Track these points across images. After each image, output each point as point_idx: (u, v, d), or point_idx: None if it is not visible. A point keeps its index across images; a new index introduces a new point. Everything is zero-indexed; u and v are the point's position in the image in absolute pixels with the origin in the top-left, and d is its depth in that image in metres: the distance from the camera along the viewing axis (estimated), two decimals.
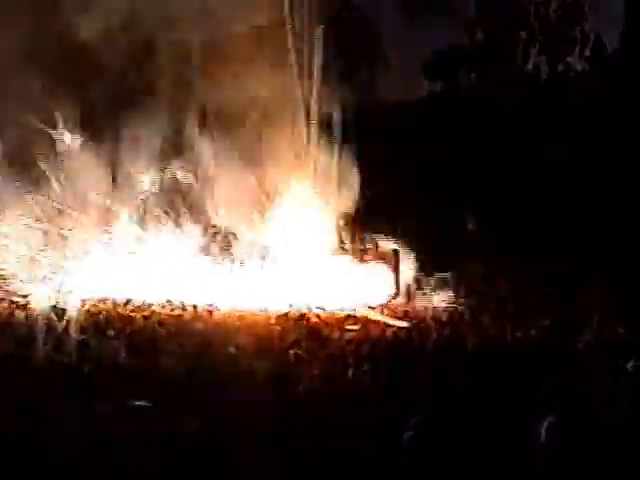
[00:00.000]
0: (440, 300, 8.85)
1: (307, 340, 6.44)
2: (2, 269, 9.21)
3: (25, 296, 8.42)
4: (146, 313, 7.60)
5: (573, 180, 11.12)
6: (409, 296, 9.20)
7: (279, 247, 9.80)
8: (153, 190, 9.92)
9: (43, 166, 9.62)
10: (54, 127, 9.74)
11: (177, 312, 7.82)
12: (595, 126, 11.59)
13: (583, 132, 11.41)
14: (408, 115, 11.77)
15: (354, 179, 10.01)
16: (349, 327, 7.38)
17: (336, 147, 9.86)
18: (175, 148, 9.90)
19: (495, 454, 4.14)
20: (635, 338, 6.82)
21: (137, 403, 4.49)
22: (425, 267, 9.38)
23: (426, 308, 8.61)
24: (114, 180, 9.73)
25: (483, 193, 10.91)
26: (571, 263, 9.46)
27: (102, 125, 9.83)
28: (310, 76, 10.18)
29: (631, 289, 8.51)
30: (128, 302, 8.12)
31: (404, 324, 7.62)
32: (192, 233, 9.70)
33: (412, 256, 9.55)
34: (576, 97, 12.04)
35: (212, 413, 4.46)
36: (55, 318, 7.07)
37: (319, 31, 9.75)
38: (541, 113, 11.68)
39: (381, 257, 9.51)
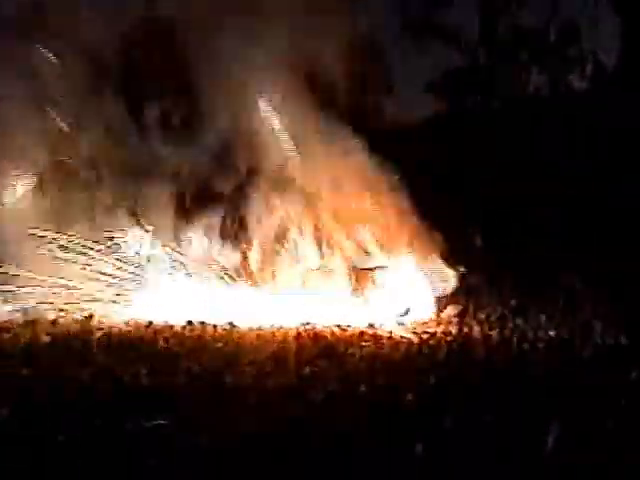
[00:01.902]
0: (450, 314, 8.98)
1: (322, 357, 6.62)
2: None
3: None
4: (167, 335, 7.74)
5: (576, 190, 11.23)
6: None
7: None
8: None
9: None
10: None
11: (197, 332, 8.01)
12: (598, 135, 11.74)
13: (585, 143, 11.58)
14: (416, 136, 11.97)
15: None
16: (363, 343, 7.53)
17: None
18: None
19: (503, 462, 4.28)
20: (638, 347, 6.99)
21: (155, 422, 4.61)
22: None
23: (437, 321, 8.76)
24: None
25: (488, 206, 11.06)
26: (574, 272, 9.53)
27: None
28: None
29: (633, 296, 8.61)
30: (150, 324, 8.31)
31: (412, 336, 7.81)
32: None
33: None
34: (577, 112, 12.18)
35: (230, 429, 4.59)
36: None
37: None
38: (543, 130, 11.87)
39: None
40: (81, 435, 4.56)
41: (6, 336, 7.62)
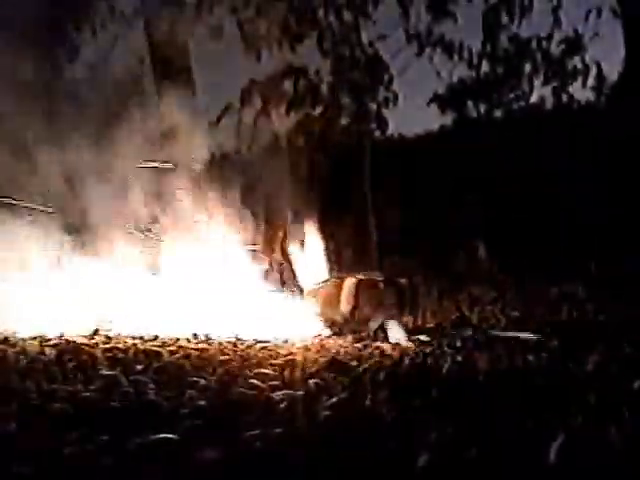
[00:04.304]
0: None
1: (327, 369, 6.67)
2: None
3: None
4: (173, 347, 7.80)
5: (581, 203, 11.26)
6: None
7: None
8: None
9: None
10: None
11: (202, 345, 8.04)
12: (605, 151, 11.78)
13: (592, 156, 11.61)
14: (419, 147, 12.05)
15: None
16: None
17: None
18: None
19: (508, 475, 4.31)
20: None
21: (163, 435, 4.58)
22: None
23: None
24: None
25: (493, 218, 11.09)
26: (577, 282, 9.55)
27: None
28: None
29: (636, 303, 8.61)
30: (156, 337, 8.34)
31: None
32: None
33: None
34: (580, 122, 12.24)
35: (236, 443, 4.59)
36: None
37: None
38: (547, 140, 11.92)
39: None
40: (87, 449, 4.54)
41: (12, 350, 7.65)
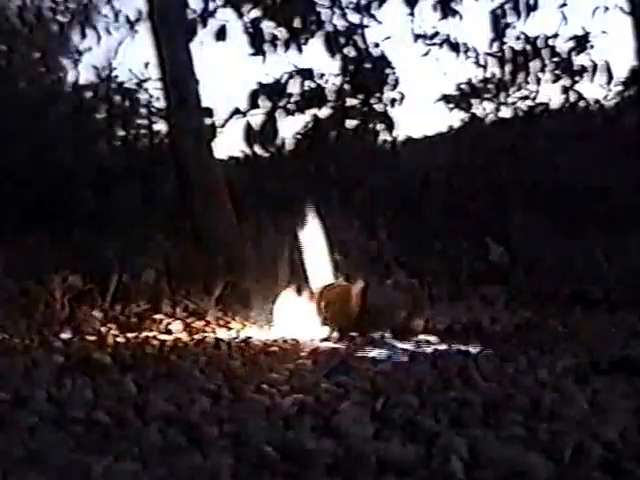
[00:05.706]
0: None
1: (337, 373, 6.65)
2: None
3: None
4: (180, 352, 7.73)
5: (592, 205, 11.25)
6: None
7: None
8: None
9: None
10: None
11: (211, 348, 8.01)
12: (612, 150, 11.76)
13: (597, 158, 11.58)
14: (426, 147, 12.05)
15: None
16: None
17: None
18: None
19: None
20: None
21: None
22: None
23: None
24: None
25: (499, 218, 11.07)
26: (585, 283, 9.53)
27: None
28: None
29: None
30: (164, 343, 8.32)
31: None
32: None
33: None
34: (588, 122, 12.23)
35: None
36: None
37: None
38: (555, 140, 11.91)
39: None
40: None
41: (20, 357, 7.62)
